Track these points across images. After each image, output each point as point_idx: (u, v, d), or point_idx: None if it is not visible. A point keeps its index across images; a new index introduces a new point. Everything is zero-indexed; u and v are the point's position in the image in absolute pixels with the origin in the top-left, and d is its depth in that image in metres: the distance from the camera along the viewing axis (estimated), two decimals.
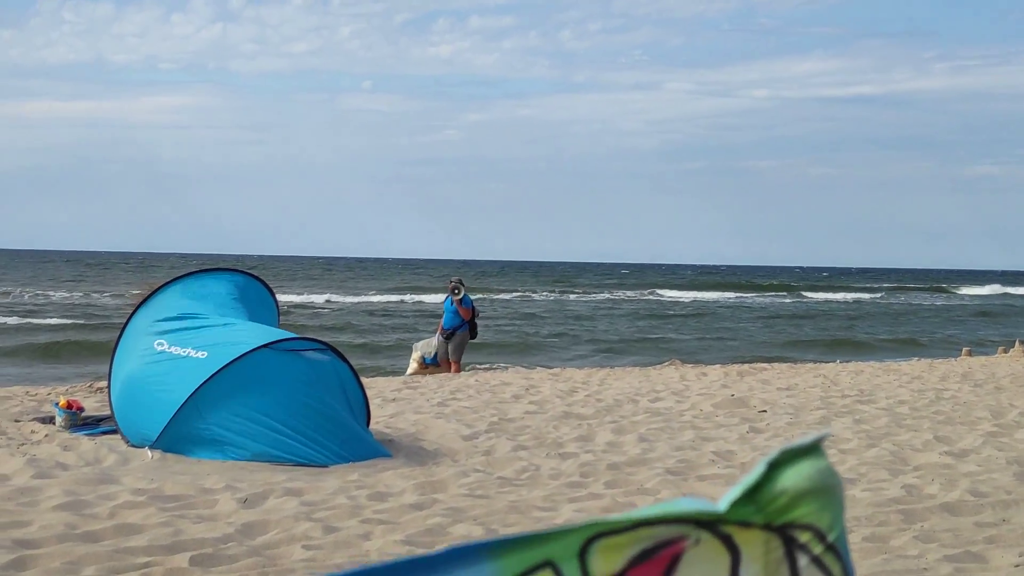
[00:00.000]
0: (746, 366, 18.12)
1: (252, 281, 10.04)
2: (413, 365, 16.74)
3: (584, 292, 63.55)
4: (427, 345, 16.58)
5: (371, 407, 9.40)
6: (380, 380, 14.66)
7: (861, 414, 11.80)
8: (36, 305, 39.79)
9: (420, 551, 5.92)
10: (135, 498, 6.94)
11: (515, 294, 58.46)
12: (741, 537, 1.41)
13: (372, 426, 9.31)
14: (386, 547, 6.02)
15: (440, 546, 5.97)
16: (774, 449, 1.40)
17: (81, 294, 47.74)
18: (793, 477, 1.39)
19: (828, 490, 1.41)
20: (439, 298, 52.08)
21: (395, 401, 12.09)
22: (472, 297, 16.89)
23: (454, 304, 16.20)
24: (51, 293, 47.76)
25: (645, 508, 1.40)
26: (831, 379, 15.49)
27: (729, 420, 11.28)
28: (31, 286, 53.17)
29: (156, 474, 7.75)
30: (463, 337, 16.46)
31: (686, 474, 8.45)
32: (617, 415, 11.43)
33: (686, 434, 10.28)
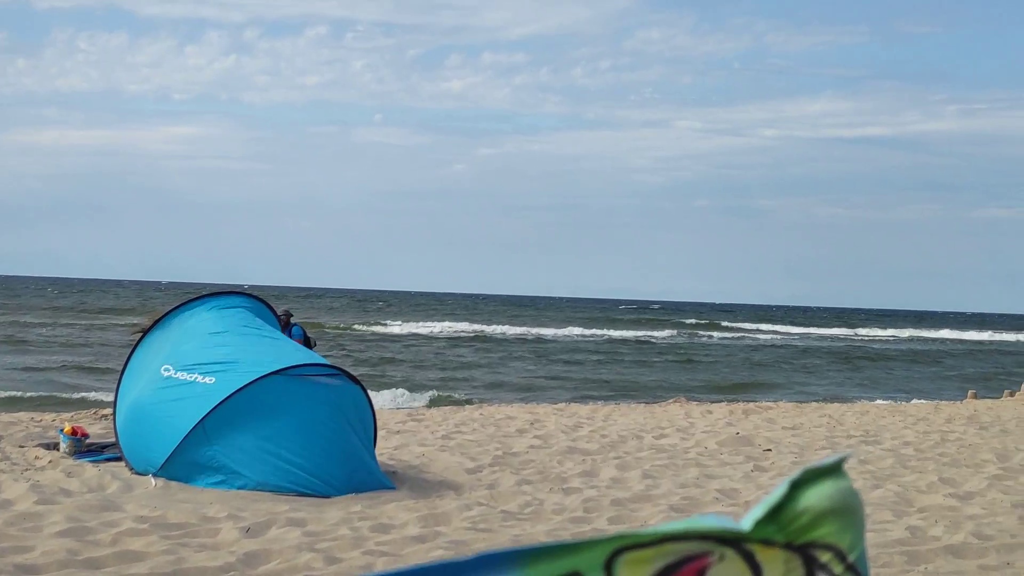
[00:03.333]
0: (752, 404, 18.08)
1: (258, 304, 10.04)
2: None
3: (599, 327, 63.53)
4: None
5: (376, 438, 9.39)
6: (385, 412, 14.64)
7: (866, 455, 11.77)
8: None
9: None
10: (138, 525, 6.93)
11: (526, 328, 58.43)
12: (763, 555, 1.42)
13: (377, 457, 9.30)
14: None
15: None
16: (796, 470, 1.42)
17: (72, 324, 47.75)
18: (815, 497, 1.40)
19: (849, 510, 1.42)
20: (427, 327, 51.87)
21: (399, 433, 12.09)
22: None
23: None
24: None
25: (671, 523, 1.42)
26: (836, 419, 15.45)
27: (734, 458, 11.25)
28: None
29: (159, 502, 7.75)
30: None
31: (690, 511, 8.42)
32: (621, 451, 11.41)
33: (690, 471, 10.26)
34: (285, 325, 14.04)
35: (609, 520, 7.97)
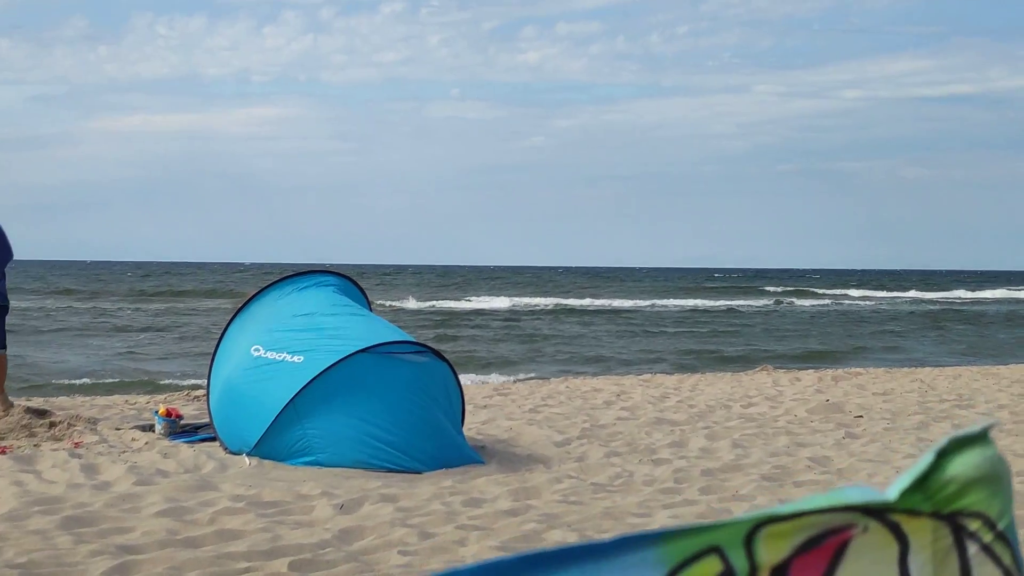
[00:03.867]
0: (841, 371, 17.86)
1: (344, 282, 10.12)
2: None
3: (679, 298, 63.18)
4: None
5: (464, 413, 9.43)
6: (471, 387, 14.70)
7: (960, 419, 11.57)
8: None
9: None
10: (234, 504, 7.04)
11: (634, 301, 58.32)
12: (909, 526, 1.41)
13: (465, 432, 9.34)
14: (481, 552, 6.04)
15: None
16: (943, 437, 1.41)
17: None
18: (962, 465, 1.40)
19: (997, 478, 1.41)
20: (510, 302, 51.96)
21: (486, 408, 12.13)
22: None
23: None
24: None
25: (812, 498, 1.41)
26: (928, 383, 15.20)
27: (824, 425, 11.13)
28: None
29: (254, 480, 7.86)
30: None
31: (782, 480, 8.36)
32: (710, 421, 11.34)
33: (781, 440, 10.16)
34: None
35: (700, 490, 7.92)
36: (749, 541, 1.39)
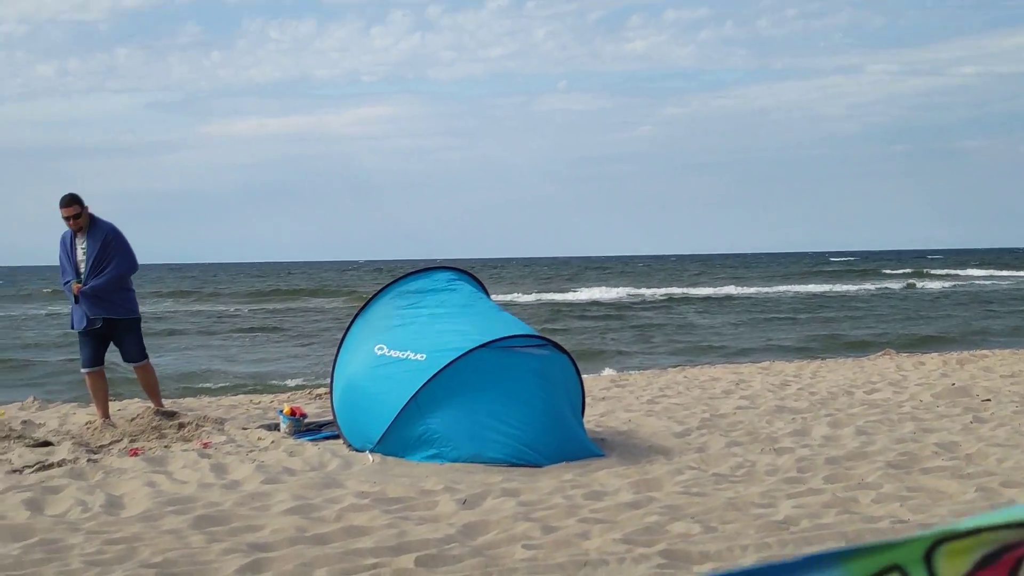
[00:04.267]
0: (966, 353, 17.43)
1: (464, 277, 10.19)
2: None
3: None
4: None
5: (584, 406, 9.43)
6: (588, 379, 14.70)
7: None
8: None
9: (640, 550, 5.92)
10: (359, 501, 7.15)
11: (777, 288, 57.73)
12: None
13: (584, 424, 9.34)
14: (605, 546, 6.04)
15: (659, 545, 5.96)
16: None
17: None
18: None
19: None
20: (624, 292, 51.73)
21: (604, 400, 12.12)
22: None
23: None
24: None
25: (988, 514, 1.41)
26: None
27: (951, 410, 10.88)
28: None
29: (378, 477, 7.97)
30: None
31: (909, 467, 8.19)
32: (832, 408, 11.17)
33: (906, 426, 9.96)
34: None
35: (824, 479, 7.80)
36: (929, 558, 1.39)
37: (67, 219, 10.36)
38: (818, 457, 8.54)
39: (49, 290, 63.48)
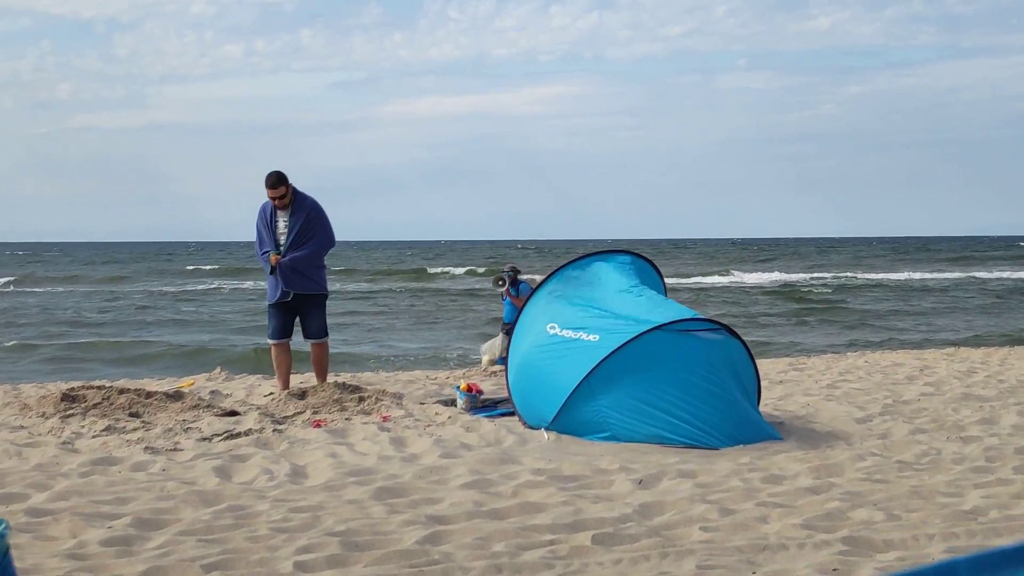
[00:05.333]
0: None
1: (639, 261, 10.13)
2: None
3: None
4: (492, 347, 13.93)
5: (760, 389, 9.28)
6: (765, 362, 14.46)
7: None
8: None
9: (821, 536, 5.79)
10: (535, 477, 7.19)
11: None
12: None
13: (761, 408, 9.20)
14: (785, 530, 5.93)
15: (841, 531, 5.82)
16: None
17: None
18: None
19: None
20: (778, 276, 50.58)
21: (782, 383, 11.91)
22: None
23: (507, 296, 13.58)
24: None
25: None
26: None
27: None
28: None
29: (553, 455, 8.00)
30: None
31: None
32: (1022, 397, 10.73)
33: None
34: (512, 282, 13.35)
35: (1014, 469, 7.51)
36: None
37: (273, 199, 10.55)
38: (1007, 447, 8.22)
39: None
